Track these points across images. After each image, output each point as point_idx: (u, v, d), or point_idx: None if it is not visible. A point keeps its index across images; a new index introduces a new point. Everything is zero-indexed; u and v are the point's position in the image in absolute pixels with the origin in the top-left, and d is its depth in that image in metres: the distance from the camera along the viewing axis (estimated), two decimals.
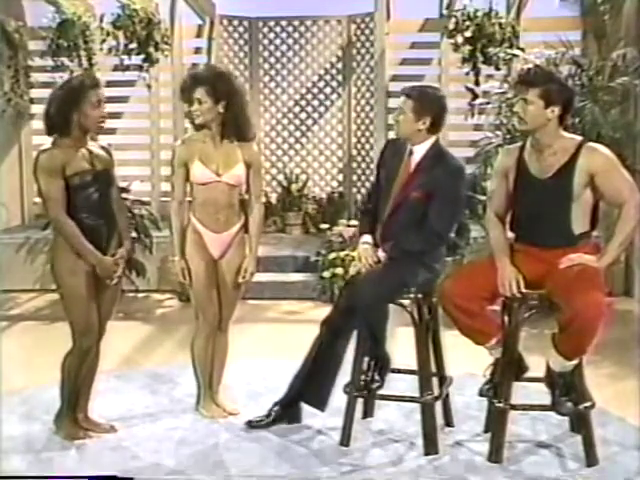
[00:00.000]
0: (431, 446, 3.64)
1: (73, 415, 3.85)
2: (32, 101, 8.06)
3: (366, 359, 3.78)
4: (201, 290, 3.98)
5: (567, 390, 3.47)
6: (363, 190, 8.87)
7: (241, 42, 9.07)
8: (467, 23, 7.33)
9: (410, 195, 3.67)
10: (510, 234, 3.67)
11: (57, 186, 3.58)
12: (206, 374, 4.09)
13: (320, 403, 3.86)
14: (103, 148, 3.82)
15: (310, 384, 3.85)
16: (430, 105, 3.68)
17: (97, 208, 3.69)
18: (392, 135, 4.01)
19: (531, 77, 3.48)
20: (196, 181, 3.93)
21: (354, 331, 3.74)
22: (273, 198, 8.98)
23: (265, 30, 9.12)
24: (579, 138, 3.54)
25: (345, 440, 3.71)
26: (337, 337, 3.79)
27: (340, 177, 9.14)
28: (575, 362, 3.44)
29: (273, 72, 9.14)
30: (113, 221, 3.77)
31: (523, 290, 3.47)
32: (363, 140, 8.89)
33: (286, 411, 3.93)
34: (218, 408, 4.10)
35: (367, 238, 3.79)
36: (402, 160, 3.74)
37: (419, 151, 3.71)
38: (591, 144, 3.51)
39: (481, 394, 3.69)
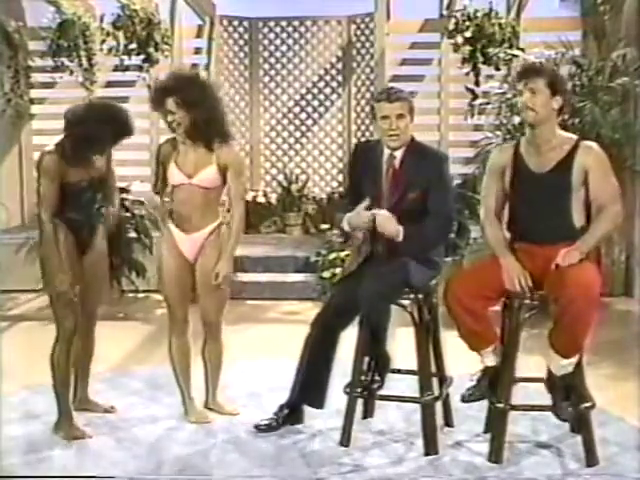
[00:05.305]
0: (431, 446, 3.64)
1: (71, 414, 3.86)
2: (32, 101, 8.08)
3: (366, 359, 3.77)
4: (170, 289, 3.98)
5: (568, 395, 3.46)
6: None
7: (241, 42, 9.09)
8: (467, 23, 7.35)
9: (406, 197, 3.67)
10: (507, 234, 3.67)
11: (53, 190, 3.74)
12: (186, 376, 4.07)
13: (317, 401, 3.85)
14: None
15: (306, 385, 3.84)
16: (412, 104, 3.74)
17: (86, 208, 3.87)
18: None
19: (537, 67, 3.56)
20: (171, 183, 3.97)
21: (345, 329, 3.75)
22: (273, 198, 8.99)
23: (265, 30, 9.13)
24: (575, 136, 3.59)
25: (345, 440, 3.70)
26: (327, 335, 3.77)
27: (340, 177, 9.14)
28: (574, 361, 3.44)
29: (273, 72, 9.15)
30: (97, 220, 3.94)
31: (530, 284, 3.46)
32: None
33: (290, 413, 3.92)
34: (202, 412, 4.07)
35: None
36: (380, 161, 3.73)
37: (399, 150, 3.71)
38: (587, 142, 3.57)
39: (463, 400, 3.67)
